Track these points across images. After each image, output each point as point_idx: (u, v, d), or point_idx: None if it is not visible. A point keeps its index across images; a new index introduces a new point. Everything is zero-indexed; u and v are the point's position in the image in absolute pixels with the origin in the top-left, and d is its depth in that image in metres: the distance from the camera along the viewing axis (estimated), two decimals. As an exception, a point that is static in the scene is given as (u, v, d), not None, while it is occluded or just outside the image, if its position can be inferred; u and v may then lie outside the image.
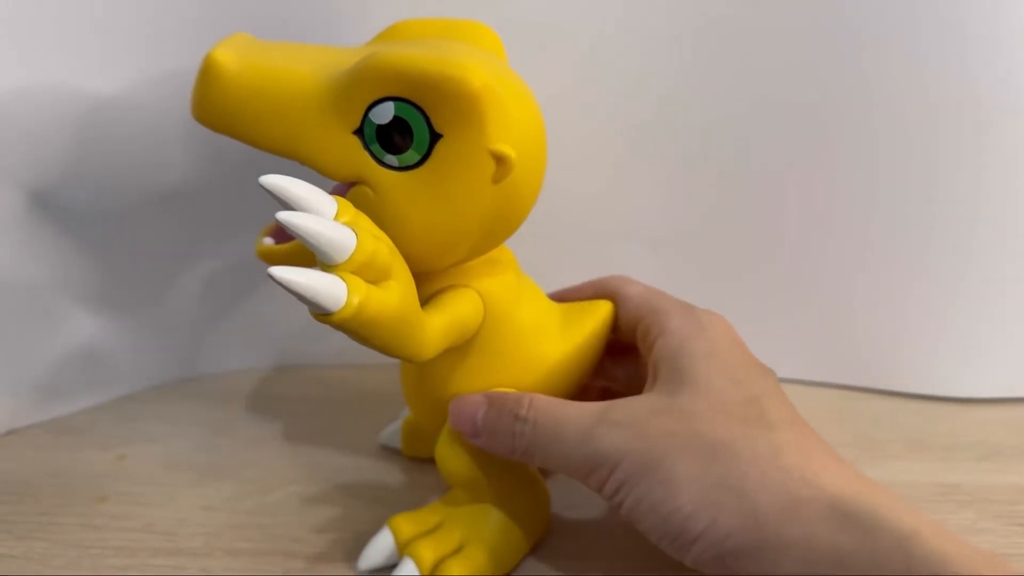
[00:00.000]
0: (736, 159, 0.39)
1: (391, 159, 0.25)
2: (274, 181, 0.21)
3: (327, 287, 0.21)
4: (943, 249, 0.39)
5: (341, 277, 0.21)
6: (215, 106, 0.25)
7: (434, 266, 0.27)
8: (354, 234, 0.21)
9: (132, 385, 0.43)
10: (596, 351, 0.32)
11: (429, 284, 0.28)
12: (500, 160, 0.24)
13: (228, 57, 0.25)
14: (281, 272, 0.20)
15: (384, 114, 0.24)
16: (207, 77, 0.25)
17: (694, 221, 0.41)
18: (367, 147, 0.25)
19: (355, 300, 0.21)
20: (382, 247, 0.22)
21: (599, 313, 0.32)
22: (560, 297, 0.34)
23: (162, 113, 0.37)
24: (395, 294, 0.23)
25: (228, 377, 0.45)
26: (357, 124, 0.25)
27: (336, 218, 0.22)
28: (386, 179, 0.25)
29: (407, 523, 0.30)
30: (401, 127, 0.24)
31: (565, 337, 0.31)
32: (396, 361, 0.29)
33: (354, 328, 0.22)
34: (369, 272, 0.22)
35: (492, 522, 0.30)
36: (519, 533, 0.30)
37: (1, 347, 0.38)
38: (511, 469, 0.30)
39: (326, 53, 0.26)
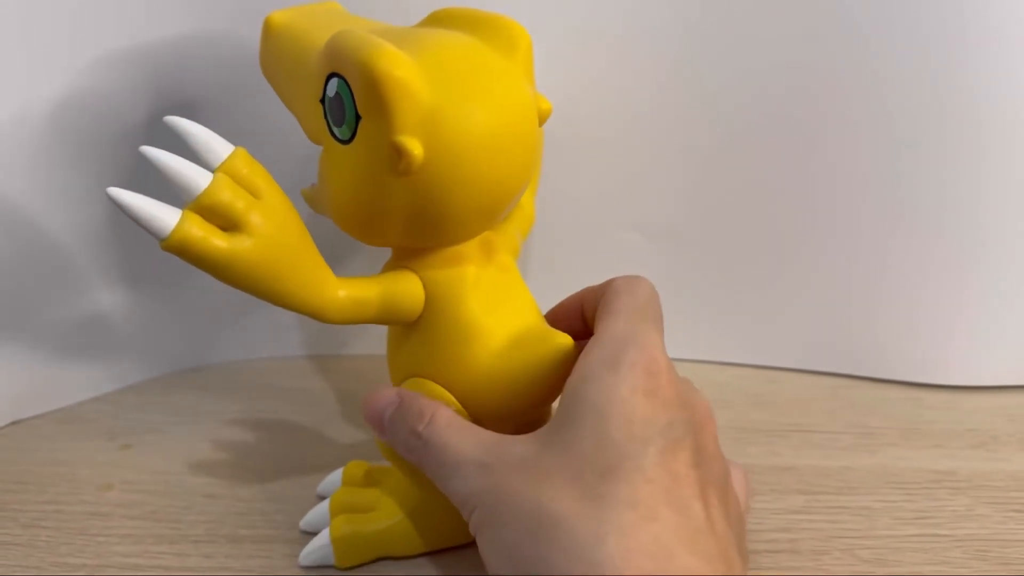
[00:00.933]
0: (735, 150, 0.40)
1: (335, 131, 0.26)
2: (177, 122, 0.24)
3: (152, 212, 0.23)
4: (939, 238, 0.39)
5: (182, 212, 0.23)
6: (262, 61, 0.30)
7: (363, 240, 0.28)
8: (209, 178, 0.24)
9: (137, 375, 0.44)
10: (541, 382, 0.28)
11: (391, 263, 0.30)
12: (399, 153, 0.24)
13: (277, 19, 0.29)
14: (117, 192, 0.23)
15: (331, 89, 0.26)
16: (261, 34, 0.29)
17: (692, 211, 0.41)
18: (324, 116, 0.26)
19: (178, 234, 0.23)
20: (238, 200, 0.24)
21: (549, 345, 0.28)
22: (553, 313, 0.32)
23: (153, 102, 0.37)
24: (238, 244, 0.24)
25: (232, 367, 0.46)
26: (320, 95, 0.26)
27: (223, 163, 0.24)
28: (330, 148, 0.27)
29: (342, 495, 0.32)
30: (342, 103, 0.25)
31: (504, 354, 0.28)
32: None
33: (193, 262, 0.24)
34: (215, 217, 0.24)
35: (405, 499, 0.31)
36: (425, 521, 0.31)
37: (4, 338, 0.38)
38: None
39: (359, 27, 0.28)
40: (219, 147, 0.24)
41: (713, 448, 0.26)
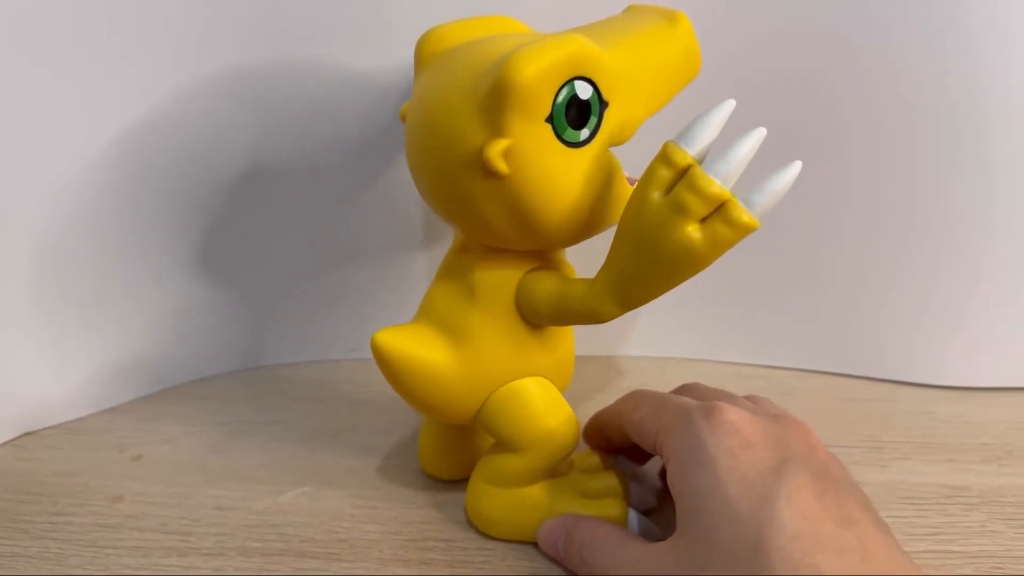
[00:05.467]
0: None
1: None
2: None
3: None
4: (949, 240, 0.39)
5: None
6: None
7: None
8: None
9: (147, 387, 0.44)
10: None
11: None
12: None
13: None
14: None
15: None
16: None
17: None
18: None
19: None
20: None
21: None
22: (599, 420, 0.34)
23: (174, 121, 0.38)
24: None
25: (241, 377, 0.46)
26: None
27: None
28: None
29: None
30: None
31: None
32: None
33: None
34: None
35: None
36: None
37: (17, 351, 0.39)
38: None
39: None
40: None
41: (824, 458, 0.27)
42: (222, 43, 0.37)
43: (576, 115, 0.26)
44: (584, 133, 0.27)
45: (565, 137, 0.26)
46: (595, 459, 0.33)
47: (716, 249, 0.25)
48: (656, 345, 0.46)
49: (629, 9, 0.32)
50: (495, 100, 0.25)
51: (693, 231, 0.25)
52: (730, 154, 0.25)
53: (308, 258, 0.44)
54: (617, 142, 0.28)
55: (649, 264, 0.26)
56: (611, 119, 0.27)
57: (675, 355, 0.47)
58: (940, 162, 0.38)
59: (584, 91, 0.26)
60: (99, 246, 0.39)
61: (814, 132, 0.39)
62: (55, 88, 0.36)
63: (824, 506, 0.24)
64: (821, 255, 0.42)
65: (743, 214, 0.24)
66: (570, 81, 0.26)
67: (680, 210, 0.25)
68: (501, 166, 0.26)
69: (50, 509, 0.35)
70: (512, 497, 0.32)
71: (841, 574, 0.22)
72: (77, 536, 0.33)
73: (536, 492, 0.32)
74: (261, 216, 0.42)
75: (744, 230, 0.25)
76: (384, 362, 0.30)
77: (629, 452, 0.34)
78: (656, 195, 0.25)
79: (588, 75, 0.26)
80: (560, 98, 0.26)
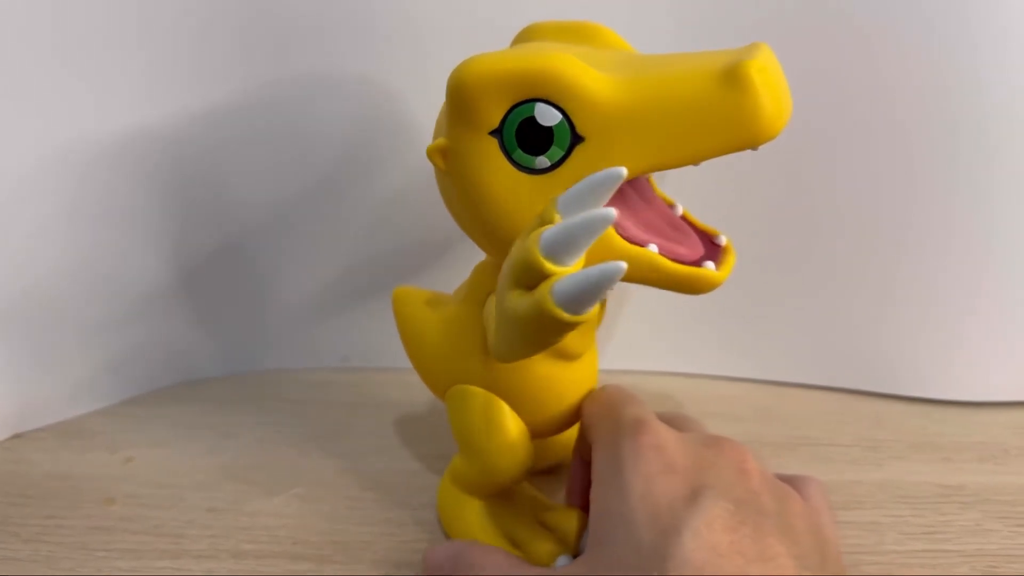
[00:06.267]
0: (740, 165, 0.39)
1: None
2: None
3: None
4: (947, 253, 0.39)
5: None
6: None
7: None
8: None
9: (139, 388, 0.44)
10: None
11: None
12: None
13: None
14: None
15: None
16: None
17: (708, 223, 0.41)
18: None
19: None
20: None
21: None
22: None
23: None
24: None
25: (234, 380, 0.46)
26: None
27: None
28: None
29: None
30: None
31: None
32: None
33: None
34: None
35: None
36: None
37: (7, 351, 0.38)
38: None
39: None
40: None
41: (755, 486, 0.25)
42: (220, 44, 0.37)
43: (532, 140, 0.24)
44: (542, 161, 0.24)
45: (514, 158, 0.24)
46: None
47: (531, 321, 0.21)
48: (636, 359, 0.46)
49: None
50: (445, 98, 0.25)
51: (515, 296, 0.21)
52: (560, 228, 0.20)
53: (304, 269, 0.43)
54: None
55: (499, 317, 0.23)
56: (588, 157, 0.24)
57: (657, 369, 0.46)
58: (937, 171, 0.38)
59: (547, 117, 0.24)
60: (90, 246, 0.39)
61: (809, 142, 0.38)
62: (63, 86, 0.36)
63: (735, 539, 0.23)
64: (815, 268, 0.41)
65: (546, 298, 0.20)
66: (530, 101, 0.24)
67: (508, 269, 0.22)
68: (435, 161, 0.26)
69: (41, 512, 0.35)
70: (458, 502, 0.32)
71: None
72: (69, 539, 0.33)
73: (476, 508, 0.32)
74: (255, 224, 0.42)
75: (543, 313, 0.20)
76: (393, 310, 0.34)
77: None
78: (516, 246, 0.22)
79: (557, 101, 0.23)
80: (512, 116, 0.24)
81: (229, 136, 0.39)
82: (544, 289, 0.20)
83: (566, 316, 0.20)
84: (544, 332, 0.21)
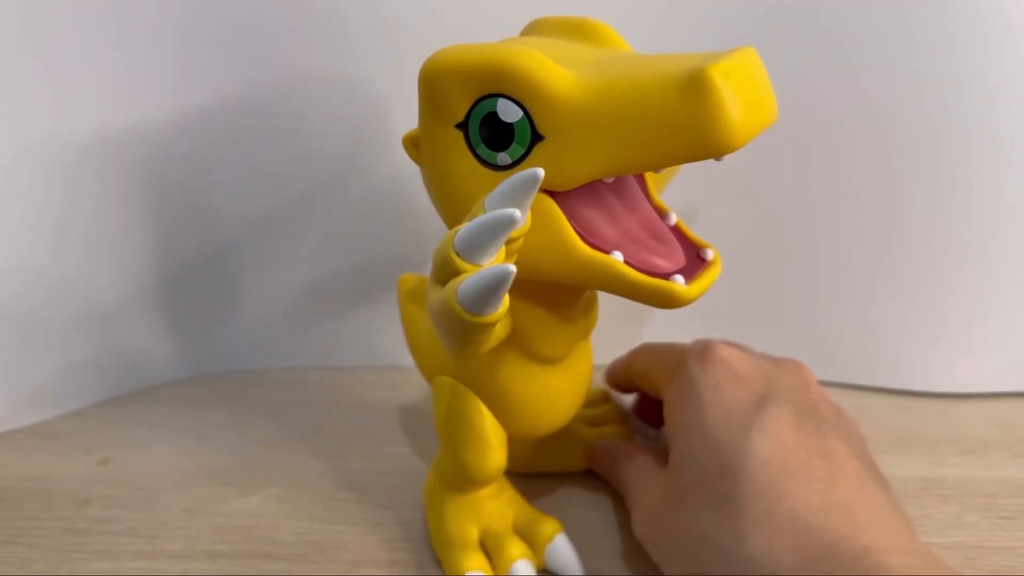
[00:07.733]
0: (724, 162, 0.39)
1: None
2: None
3: None
4: (927, 247, 0.39)
5: None
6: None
7: None
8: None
9: (114, 390, 0.43)
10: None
11: None
12: None
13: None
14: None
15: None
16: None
17: (693, 221, 0.41)
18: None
19: None
20: None
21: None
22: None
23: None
24: None
25: (210, 380, 0.45)
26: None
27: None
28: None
29: None
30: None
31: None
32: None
33: None
34: None
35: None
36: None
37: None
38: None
39: None
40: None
41: (814, 396, 0.29)
42: (199, 47, 0.37)
43: (495, 136, 0.24)
44: (503, 157, 0.24)
45: (478, 152, 0.24)
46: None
47: (444, 318, 0.21)
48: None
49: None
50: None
51: (435, 291, 0.21)
52: (469, 226, 0.20)
53: (280, 267, 0.43)
54: (553, 187, 0.23)
55: (427, 310, 0.23)
56: (547, 156, 0.23)
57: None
58: (915, 171, 0.38)
59: (509, 113, 0.23)
60: (64, 247, 0.39)
61: (790, 144, 0.38)
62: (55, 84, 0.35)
63: (800, 438, 0.26)
64: (795, 266, 0.41)
65: (451, 297, 0.20)
66: (492, 96, 0.23)
67: (432, 264, 0.22)
68: (408, 150, 0.26)
69: (15, 514, 0.34)
70: (438, 495, 0.32)
71: (803, 499, 0.24)
72: (43, 541, 0.33)
73: (456, 504, 0.31)
74: (231, 224, 0.41)
75: (449, 312, 0.20)
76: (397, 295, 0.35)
77: (645, 415, 0.38)
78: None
79: (519, 98, 0.23)
80: (476, 110, 0.24)
81: (207, 138, 0.39)
82: (451, 287, 0.20)
83: (467, 316, 0.20)
84: (461, 330, 0.21)
